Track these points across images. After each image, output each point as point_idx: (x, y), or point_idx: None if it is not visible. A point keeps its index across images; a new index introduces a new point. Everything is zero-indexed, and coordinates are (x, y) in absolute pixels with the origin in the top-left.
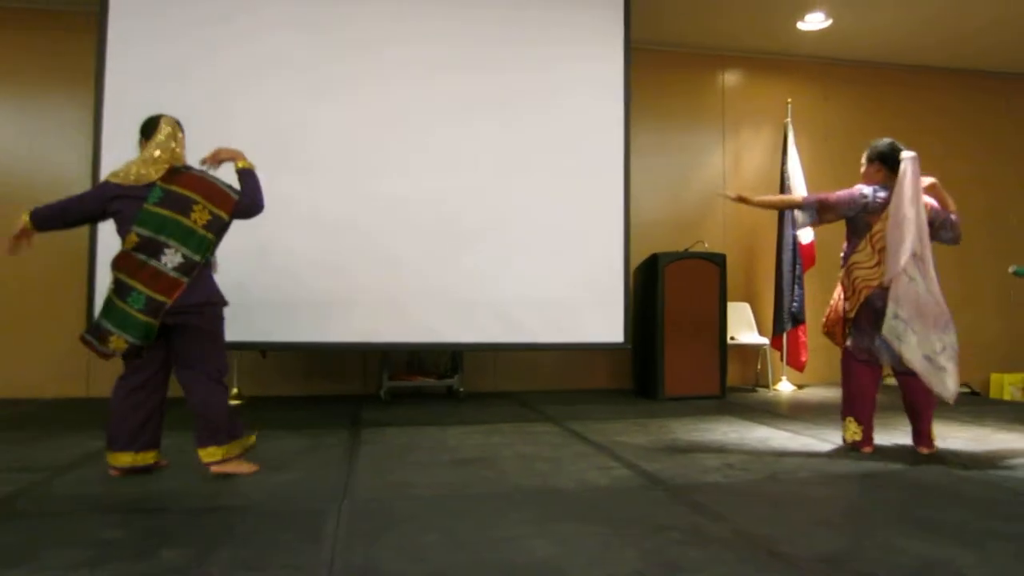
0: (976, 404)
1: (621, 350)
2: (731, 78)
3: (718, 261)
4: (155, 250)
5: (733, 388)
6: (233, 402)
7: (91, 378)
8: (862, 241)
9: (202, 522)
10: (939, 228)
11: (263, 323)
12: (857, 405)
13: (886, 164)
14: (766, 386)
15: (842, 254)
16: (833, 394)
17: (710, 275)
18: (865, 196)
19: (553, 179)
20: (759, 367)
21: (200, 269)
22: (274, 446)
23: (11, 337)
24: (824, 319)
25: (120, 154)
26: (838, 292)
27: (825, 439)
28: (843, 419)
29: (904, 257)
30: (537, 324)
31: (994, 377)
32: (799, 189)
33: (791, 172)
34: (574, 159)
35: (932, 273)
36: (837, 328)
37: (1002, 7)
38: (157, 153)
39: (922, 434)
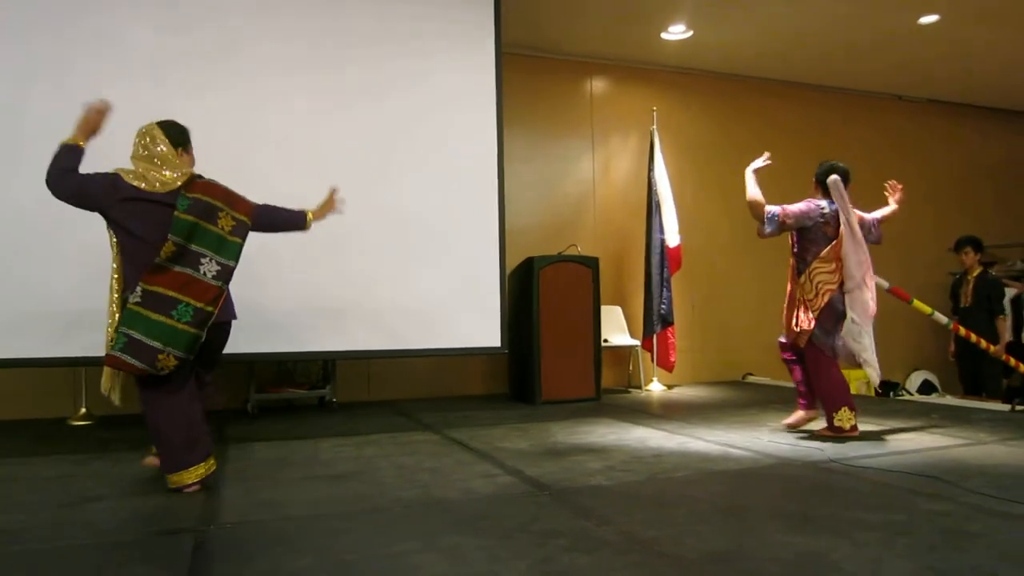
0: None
1: (497, 355)
2: (599, 85)
3: (591, 264)
4: (193, 260)
5: (607, 390)
6: (79, 423)
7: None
8: (825, 249)
9: (44, 560)
10: (867, 233)
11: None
12: (845, 395)
13: (820, 185)
14: (638, 387)
15: (792, 260)
16: (702, 393)
17: (584, 278)
18: (823, 208)
19: (426, 183)
20: (631, 368)
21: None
22: (129, 469)
23: None
24: (792, 328)
25: None
26: (795, 295)
27: (700, 437)
28: (835, 411)
29: (863, 269)
30: (412, 330)
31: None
32: (666, 195)
33: (658, 179)
34: (447, 162)
35: (871, 279)
36: (807, 328)
37: (828, 24)
38: (173, 160)
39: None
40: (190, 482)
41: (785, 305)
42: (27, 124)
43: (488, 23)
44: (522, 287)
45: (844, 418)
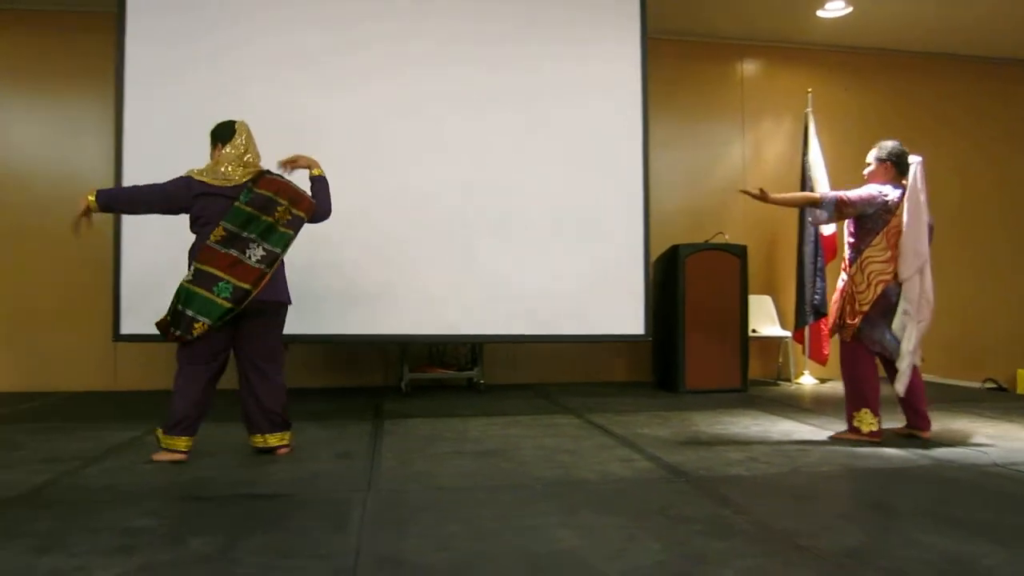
0: (1003, 400)
1: (641, 343)
2: (750, 68)
3: (739, 253)
4: (241, 245)
5: (755, 381)
6: None
7: (119, 372)
8: (878, 236)
9: (230, 511)
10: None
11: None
12: (871, 396)
13: (897, 167)
14: (788, 379)
15: (847, 249)
16: None
17: (731, 267)
18: (886, 195)
19: (572, 171)
20: (781, 360)
21: (281, 263)
22: (300, 437)
23: (36, 331)
24: (838, 316)
25: (142, 150)
26: (847, 288)
27: None
28: (856, 411)
29: (922, 259)
30: (557, 316)
31: (1020, 373)
32: (821, 180)
33: (812, 163)
34: (593, 151)
35: (929, 271)
36: (852, 322)
37: None
38: (247, 157)
39: (925, 416)
40: (178, 449)
41: (835, 297)
42: (197, 119)
43: (634, 9)
44: (667, 275)
45: (864, 421)
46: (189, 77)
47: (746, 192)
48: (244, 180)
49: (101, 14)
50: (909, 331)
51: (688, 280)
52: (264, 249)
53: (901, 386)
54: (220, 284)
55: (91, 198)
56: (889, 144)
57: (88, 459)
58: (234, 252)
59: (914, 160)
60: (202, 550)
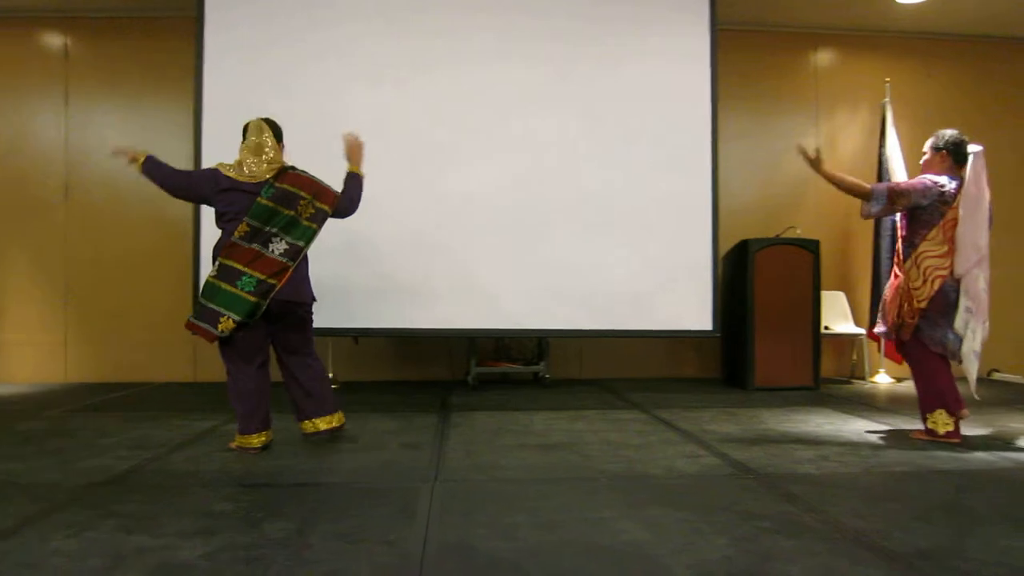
0: None
1: (709, 339)
2: (824, 57)
3: (811, 247)
4: (264, 239)
5: (827, 379)
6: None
7: (198, 364)
8: (933, 230)
9: (303, 498)
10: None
11: (355, 311)
12: (949, 397)
13: (954, 156)
14: (862, 378)
15: (900, 243)
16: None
17: (803, 262)
18: (942, 185)
19: (639, 165)
20: (855, 358)
21: (305, 257)
22: (369, 427)
23: (121, 324)
24: (894, 312)
25: (220, 154)
26: (900, 283)
27: None
28: (929, 413)
29: (981, 253)
30: (624, 312)
31: None
32: (898, 172)
33: (890, 155)
34: (660, 144)
35: (987, 266)
36: (911, 321)
37: None
38: (271, 154)
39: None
40: (253, 446)
41: (888, 294)
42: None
43: (703, 0)
44: (736, 270)
45: (939, 422)
46: (265, 79)
47: (802, 151)
48: (267, 176)
49: (180, 18)
50: (973, 328)
51: (758, 275)
52: (287, 243)
53: (973, 387)
54: (244, 278)
55: (141, 159)
56: (947, 133)
57: (172, 446)
58: (256, 246)
59: (973, 149)
60: (277, 534)
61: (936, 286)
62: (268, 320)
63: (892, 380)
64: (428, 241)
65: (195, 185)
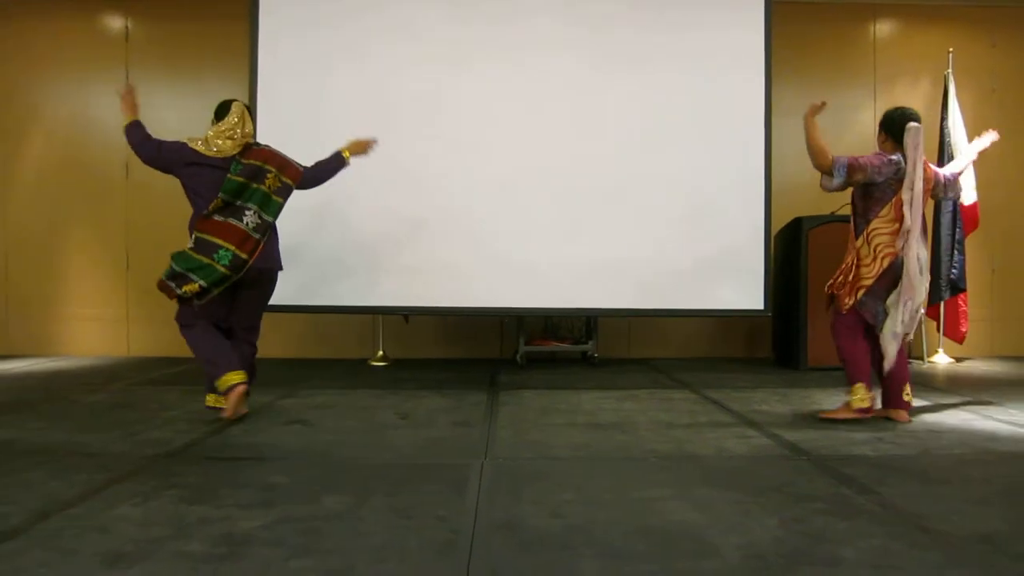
0: None
1: (760, 318)
2: (883, 28)
3: None
4: (238, 212)
5: None
6: (378, 363)
7: None
8: (885, 207)
9: (357, 472)
10: (939, 190)
11: (405, 289)
12: (863, 369)
13: (887, 132)
14: (920, 358)
15: (853, 219)
16: (998, 368)
17: None
18: (897, 162)
19: (690, 142)
20: (912, 337)
21: (272, 231)
22: (419, 405)
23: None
24: (841, 295)
25: (272, 136)
26: (851, 260)
27: (988, 416)
28: (851, 385)
29: (915, 230)
30: (672, 290)
31: None
32: (961, 144)
33: (952, 128)
34: (711, 120)
35: (917, 242)
36: (848, 292)
37: None
38: (237, 132)
39: (901, 398)
40: (236, 382)
41: (840, 270)
42: (330, 104)
43: None
44: (789, 248)
45: (856, 394)
46: (319, 60)
47: (814, 106)
48: (233, 152)
49: (235, 1)
50: (895, 309)
51: (811, 253)
52: (260, 217)
53: (886, 367)
54: (220, 251)
55: (127, 120)
56: (889, 110)
57: (230, 421)
58: (232, 220)
59: (911, 127)
60: (332, 507)
61: (885, 264)
62: (238, 288)
63: (951, 360)
64: (477, 220)
65: (163, 155)
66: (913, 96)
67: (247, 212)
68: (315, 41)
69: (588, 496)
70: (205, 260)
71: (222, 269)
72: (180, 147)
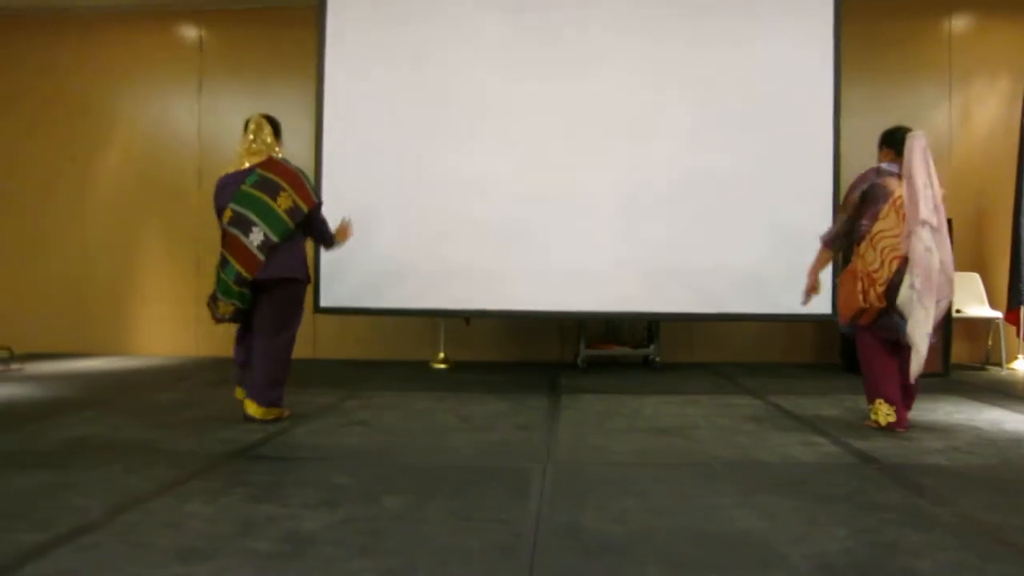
0: None
1: (828, 322)
2: (960, 23)
3: None
4: (246, 226)
5: (958, 366)
6: (438, 366)
7: (317, 341)
8: (885, 207)
9: (418, 474)
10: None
11: (466, 292)
12: (884, 385)
13: (888, 145)
14: (998, 364)
15: (862, 229)
16: None
17: None
18: (877, 169)
19: (754, 141)
20: (990, 343)
21: (295, 240)
22: (480, 408)
23: None
24: (857, 298)
25: (338, 138)
26: (859, 267)
27: None
28: (870, 402)
29: (920, 218)
30: (736, 294)
31: None
32: None
33: None
34: (777, 119)
35: (948, 245)
36: (878, 304)
37: None
38: (255, 145)
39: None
40: (239, 399)
41: (840, 281)
42: (395, 105)
43: None
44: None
45: (879, 412)
46: (385, 68)
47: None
48: (252, 165)
49: (302, 8)
50: (927, 307)
51: None
52: (264, 235)
53: (913, 374)
54: (228, 267)
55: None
56: (889, 128)
57: (295, 420)
58: (240, 234)
59: (912, 134)
60: (395, 508)
61: (893, 267)
62: (257, 294)
63: None
64: (540, 223)
65: (216, 196)
66: (991, 93)
67: (254, 228)
68: (379, 44)
69: (650, 502)
70: (222, 276)
71: (232, 285)
72: (218, 181)
